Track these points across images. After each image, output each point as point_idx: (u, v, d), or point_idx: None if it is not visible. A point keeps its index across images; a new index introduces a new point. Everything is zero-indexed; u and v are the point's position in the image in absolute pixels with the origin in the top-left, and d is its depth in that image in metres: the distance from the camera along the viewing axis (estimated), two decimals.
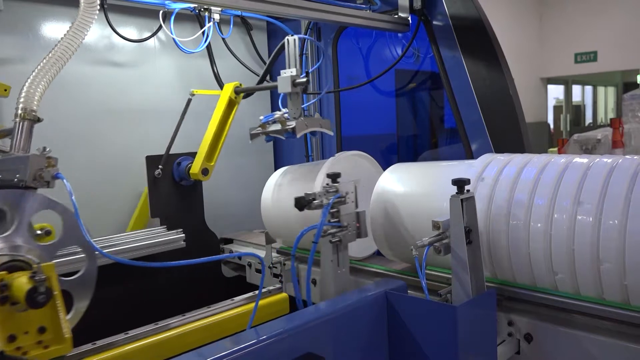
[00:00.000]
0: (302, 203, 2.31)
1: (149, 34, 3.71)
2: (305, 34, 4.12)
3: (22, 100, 2.07)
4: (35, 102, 2.09)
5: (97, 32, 3.60)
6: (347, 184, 2.41)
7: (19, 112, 2.06)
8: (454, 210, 1.97)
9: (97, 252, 2.18)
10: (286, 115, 2.90)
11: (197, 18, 3.84)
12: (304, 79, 2.88)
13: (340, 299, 1.98)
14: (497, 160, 2.33)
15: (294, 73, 2.87)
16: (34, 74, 2.10)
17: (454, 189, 2.00)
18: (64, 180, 2.04)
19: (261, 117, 2.93)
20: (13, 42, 3.24)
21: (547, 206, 2.03)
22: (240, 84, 3.59)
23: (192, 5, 3.70)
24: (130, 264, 2.04)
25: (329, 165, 2.91)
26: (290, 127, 2.84)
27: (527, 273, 2.13)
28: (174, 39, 3.70)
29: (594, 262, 1.91)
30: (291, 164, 4.52)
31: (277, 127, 2.88)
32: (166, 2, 3.57)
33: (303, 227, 2.99)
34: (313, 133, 2.98)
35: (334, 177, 2.41)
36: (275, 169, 4.62)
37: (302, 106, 2.94)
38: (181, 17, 3.79)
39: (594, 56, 14.53)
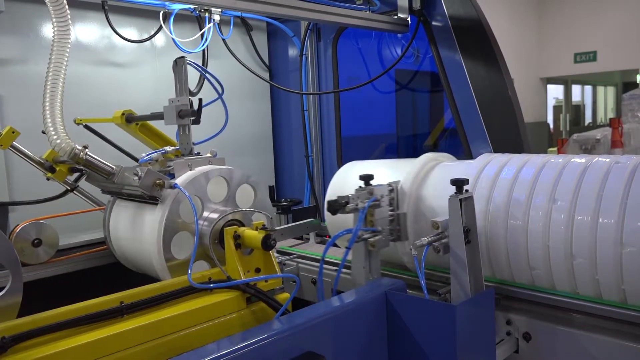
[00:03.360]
0: (334, 207, 2.16)
1: (149, 35, 3.72)
2: (305, 35, 4.13)
3: (61, 153, 2.25)
4: (69, 144, 2.24)
5: (97, 33, 3.61)
6: (382, 187, 2.29)
7: (71, 160, 2.31)
8: (453, 210, 1.98)
9: None
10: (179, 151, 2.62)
11: (197, 19, 3.85)
12: (190, 110, 2.44)
13: (340, 298, 1.99)
14: (474, 166, 2.39)
15: (180, 102, 2.43)
16: (47, 115, 2.24)
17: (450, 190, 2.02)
18: (183, 190, 2.36)
19: (143, 154, 2.56)
20: (14, 43, 3.25)
21: (525, 203, 2.11)
22: (132, 111, 3.15)
23: (192, 6, 3.71)
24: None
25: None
26: (168, 169, 2.44)
27: (506, 269, 2.20)
28: (173, 39, 3.71)
29: (567, 258, 1.98)
30: (291, 164, 4.55)
31: (157, 167, 2.49)
32: (166, 2, 3.58)
33: None
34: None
35: (366, 179, 2.31)
36: (275, 169, 4.65)
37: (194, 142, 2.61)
38: (181, 17, 3.80)
39: (594, 56, 14.55)
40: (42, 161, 2.84)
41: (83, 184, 3.02)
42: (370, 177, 2.30)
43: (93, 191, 3.05)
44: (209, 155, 2.64)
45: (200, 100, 2.55)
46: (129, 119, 3.06)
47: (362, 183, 2.31)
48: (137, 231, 2.61)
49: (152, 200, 2.45)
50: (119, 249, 2.89)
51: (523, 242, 2.10)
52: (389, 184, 2.35)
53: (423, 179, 2.47)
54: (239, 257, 2.25)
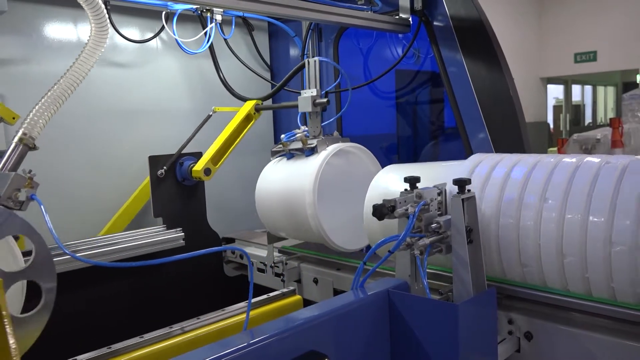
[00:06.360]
0: (382, 211, 1.97)
1: (151, 35, 3.73)
2: (307, 35, 4.14)
3: (25, 125, 2.12)
4: (37, 130, 2.15)
5: None
6: (431, 190, 2.08)
7: (20, 135, 2.11)
8: (455, 210, 1.99)
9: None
10: (306, 133, 3.02)
11: (199, 19, 3.86)
12: (324, 100, 2.99)
13: (343, 298, 2.00)
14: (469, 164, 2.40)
15: (315, 93, 3.00)
16: (42, 101, 2.14)
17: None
18: (41, 206, 2.00)
19: (283, 136, 3.08)
20: (17, 43, 3.26)
21: (516, 201, 2.13)
22: (261, 102, 3.67)
23: (194, 6, 3.72)
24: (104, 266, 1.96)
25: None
26: (311, 145, 2.95)
27: (497, 265, 2.21)
28: (176, 39, 3.72)
29: (558, 256, 2.00)
30: None
31: (298, 145, 3.00)
32: (168, 3, 3.59)
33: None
34: None
35: (412, 181, 2.11)
36: None
37: (322, 124, 3.09)
38: (183, 17, 3.81)
39: (594, 56, 14.56)
40: None
41: None
42: (417, 179, 2.11)
43: None
44: (336, 134, 3.08)
45: (326, 92, 3.17)
46: (257, 109, 3.62)
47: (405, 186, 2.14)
48: None
49: None
50: None
51: (514, 240, 2.12)
52: (437, 187, 2.13)
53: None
54: None
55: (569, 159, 2.13)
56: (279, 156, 3.21)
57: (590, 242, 1.91)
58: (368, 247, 2.96)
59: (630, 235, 1.83)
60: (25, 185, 2.04)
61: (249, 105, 3.62)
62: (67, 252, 2.00)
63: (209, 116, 3.64)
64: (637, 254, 1.82)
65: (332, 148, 2.95)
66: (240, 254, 3.69)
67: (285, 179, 3.03)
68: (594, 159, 2.08)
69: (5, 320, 1.66)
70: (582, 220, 1.93)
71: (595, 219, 1.91)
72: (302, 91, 3.08)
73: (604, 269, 1.89)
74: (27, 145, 2.13)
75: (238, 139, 3.61)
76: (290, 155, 3.07)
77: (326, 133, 3.13)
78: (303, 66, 3.18)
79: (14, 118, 2.76)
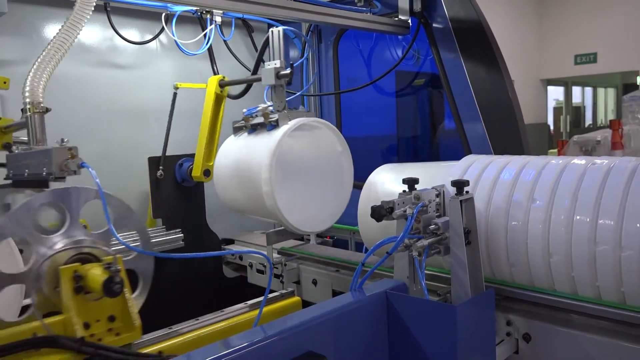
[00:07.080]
0: (380, 213, 1.95)
1: (151, 36, 3.74)
2: (306, 36, 4.15)
3: (27, 95, 2.13)
4: (40, 95, 2.15)
5: (99, 34, 3.63)
6: (429, 191, 2.08)
7: (27, 107, 2.12)
8: (453, 212, 1.99)
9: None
10: (270, 108, 2.80)
11: (198, 20, 3.87)
12: (288, 71, 2.77)
13: (341, 299, 2.00)
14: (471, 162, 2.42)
15: (278, 65, 2.79)
16: (34, 67, 2.14)
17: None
18: (90, 169, 2.11)
19: (244, 110, 2.87)
20: (17, 44, 3.27)
21: (505, 202, 2.16)
22: (224, 77, 3.56)
23: (194, 8, 3.73)
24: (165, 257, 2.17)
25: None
26: (273, 119, 2.73)
27: (487, 265, 2.24)
28: (175, 41, 3.73)
29: (544, 256, 2.04)
30: None
31: (260, 120, 2.78)
32: (168, 4, 3.60)
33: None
34: None
35: (411, 183, 2.10)
36: None
37: (287, 99, 2.85)
38: (183, 19, 3.82)
39: (594, 57, 14.56)
40: None
41: None
42: (415, 180, 2.10)
43: None
44: (302, 108, 2.88)
45: (292, 64, 2.88)
46: (221, 84, 3.51)
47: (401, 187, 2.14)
48: None
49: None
50: None
51: (503, 240, 2.15)
52: (435, 188, 2.12)
53: None
54: (80, 304, 1.88)
55: (556, 161, 2.18)
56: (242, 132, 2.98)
57: (576, 241, 1.95)
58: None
59: (613, 235, 1.86)
60: (70, 156, 2.11)
61: (213, 82, 3.51)
62: (121, 240, 2.09)
63: (175, 94, 3.65)
64: (620, 253, 1.85)
65: (295, 122, 2.70)
66: (239, 254, 3.69)
67: (244, 153, 2.83)
68: (580, 161, 2.13)
69: (126, 289, 1.96)
70: (568, 220, 1.98)
71: (580, 219, 1.95)
72: (265, 63, 2.88)
73: (588, 268, 1.94)
74: (40, 112, 2.16)
75: (218, 125, 3.56)
76: (252, 130, 2.85)
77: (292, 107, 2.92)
78: (268, 40, 2.92)
79: (5, 82, 2.77)
